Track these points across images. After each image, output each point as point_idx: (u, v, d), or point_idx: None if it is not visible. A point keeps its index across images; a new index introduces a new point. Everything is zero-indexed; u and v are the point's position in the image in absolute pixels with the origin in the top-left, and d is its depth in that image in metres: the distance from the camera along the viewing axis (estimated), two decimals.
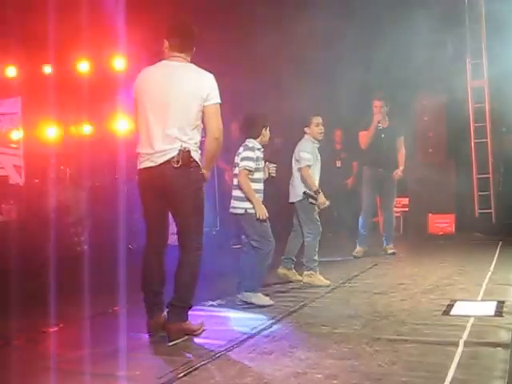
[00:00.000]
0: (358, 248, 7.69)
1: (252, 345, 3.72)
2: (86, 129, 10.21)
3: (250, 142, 4.98)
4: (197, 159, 3.91)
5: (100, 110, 9.91)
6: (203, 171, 3.99)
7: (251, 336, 3.91)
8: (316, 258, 5.78)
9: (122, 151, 8.39)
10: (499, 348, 3.39)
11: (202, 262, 4.01)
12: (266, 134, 5.07)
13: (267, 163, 5.13)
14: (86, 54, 9.62)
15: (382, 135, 7.68)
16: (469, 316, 4.13)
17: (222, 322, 4.40)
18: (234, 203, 4.96)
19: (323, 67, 9.29)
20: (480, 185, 9.99)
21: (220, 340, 3.83)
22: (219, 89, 3.97)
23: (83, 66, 9.78)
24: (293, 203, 5.90)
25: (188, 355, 3.55)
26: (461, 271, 6.11)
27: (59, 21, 8.01)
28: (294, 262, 6.00)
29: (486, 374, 3.00)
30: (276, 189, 6.05)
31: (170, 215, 4.06)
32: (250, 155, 4.88)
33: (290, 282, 5.89)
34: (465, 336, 3.66)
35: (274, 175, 5.23)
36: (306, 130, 5.88)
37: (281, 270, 5.94)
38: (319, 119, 5.85)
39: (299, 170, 5.79)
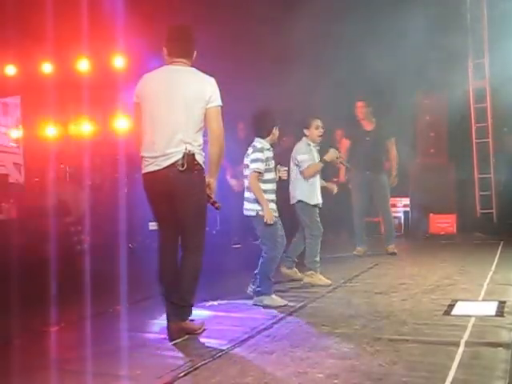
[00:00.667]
0: (358, 248, 7.73)
1: (253, 344, 3.71)
2: (86, 127, 10.19)
3: (259, 143, 4.95)
4: (201, 162, 3.94)
5: (100, 109, 9.89)
6: (208, 179, 4.01)
7: (252, 336, 3.91)
8: (317, 258, 5.79)
9: (122, 150, 8.39)
10: (500, 348, 3.37)
11: (202, 262, 4.02)
12: (275, 133, 5.05)
13: (278, 166, 5.13)
14: (85, 53, 9.59)
15: (367, 138, 7.67)
16: (470, 316, 4.12)
17: (223, 321, 4.39)
18: (246, 205, 4.97)
19: (324, 67, 9.28)
20: (481, 185, 10.00)
21: (221, 339, 3.82)
22: (225, 89, 3.99)
23: (83, 65, 9.75)
24: (293, 205, 5.92)
25: (189, 355, 3.54)
26: (462, 271, 6.10)
27: (59, 19, 7.98)
28: (295, 263, 6.05)
29: (486, 374, 2.99)
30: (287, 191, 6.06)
31: None
32: (259, 156, 4.85)
33: (291, 281, 5.90)
34: (466, 336, 3.65)
35: (285, 178, 5.25)
36: (305, 131, 5.89)
37: (284, 270, 5.98)
38: (319, 122, 5.86)
39: (301, 173, 5.81)
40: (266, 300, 4.84)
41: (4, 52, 9.59)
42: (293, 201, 5.90)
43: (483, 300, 4.71)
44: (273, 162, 4.98)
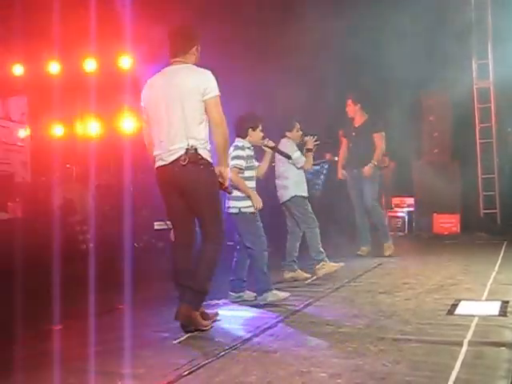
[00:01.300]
0: (362, 248, 7.74)
1: (256, 343, 3.72)
2: (93, 127, 10.23)
3: (240, 142, 5.12)
4: (205, 156, 4.05)
5: (106, 109, 9.92)
6: (217, 169, 4.13)
7: (256, 335, 3.92)
8: (322, 248, 5.95)
9: (128, 150, 8.41)
10: (503, 348, 3.38)
11: (221, 251, 4.16)
12: (254, 134, 5.18)
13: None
14: (92, 53, 9.63)
15: (353, 133, 7.65)
16: (473, 316, 4.13)
17: (227, 320, 4.41)
18: (229, 203, 5.04)
19: (324, 67, 9.29)
20: (485, 185, 9.99)
21: (224, 339, 3.84)
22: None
23: (90, 65, 9.79)
24: (284, 204, 6.09)
25: (192, 353, 3.56)
26: (465, 271, 6.11)
27: (65, 19, 8.03)
28: (297, 262, 6.09)
29: (490, 373, 3.00)
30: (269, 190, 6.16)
31: None
32: (240, 154, 5.02)
33: (295, 281, 5.94)
34: (469, 336, 3.65)
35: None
36: (287, 133, 6.18)
37: (287, 275, 6.03)
38: (298, 125, 6.24)
39: (302, 167, 6.05)
40: (270, 297, 4.88)
41: (11, 51, 9.63)
42: (285, 198, 6.04)
43: (486, 300, 4.71)
44: (254, 160, 5.16)
